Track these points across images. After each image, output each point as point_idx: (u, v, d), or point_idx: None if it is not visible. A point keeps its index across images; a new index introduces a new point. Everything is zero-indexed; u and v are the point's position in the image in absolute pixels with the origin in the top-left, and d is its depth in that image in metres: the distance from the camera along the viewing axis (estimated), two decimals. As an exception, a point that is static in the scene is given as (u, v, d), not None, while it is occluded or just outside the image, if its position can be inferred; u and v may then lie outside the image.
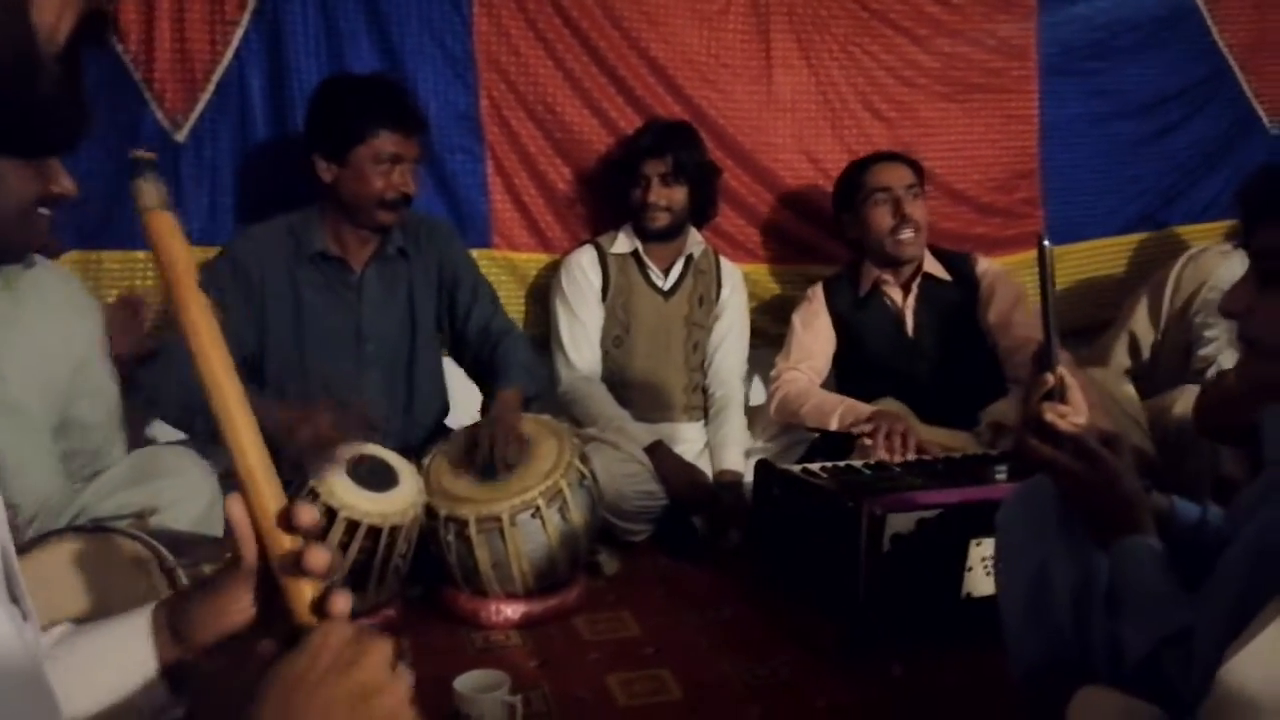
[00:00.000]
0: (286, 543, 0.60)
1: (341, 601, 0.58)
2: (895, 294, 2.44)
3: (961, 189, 2.81)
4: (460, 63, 2.41)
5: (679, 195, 2.40)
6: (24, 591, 0.57)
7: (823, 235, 2.74)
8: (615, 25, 2.49)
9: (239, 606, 0.66)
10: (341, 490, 1.72)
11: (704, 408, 2.54)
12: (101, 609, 1.11)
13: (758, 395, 2.70)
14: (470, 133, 2.42)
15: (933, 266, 2.43)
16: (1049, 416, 1.12)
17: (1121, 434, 1.16)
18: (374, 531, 1.72)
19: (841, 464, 2.01)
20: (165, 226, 0.62)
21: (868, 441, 2.11)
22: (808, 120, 2.68)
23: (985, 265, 2.46)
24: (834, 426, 2.24)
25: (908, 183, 2.37)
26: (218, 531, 1.57)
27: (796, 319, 2.48)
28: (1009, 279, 2.44)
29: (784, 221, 2.71)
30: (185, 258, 0.63)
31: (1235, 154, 2.98)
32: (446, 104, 2.39)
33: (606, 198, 2.53)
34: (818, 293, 2.50)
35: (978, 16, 2.77)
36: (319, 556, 0.58)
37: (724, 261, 2.57)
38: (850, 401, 2.25)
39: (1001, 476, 1.90)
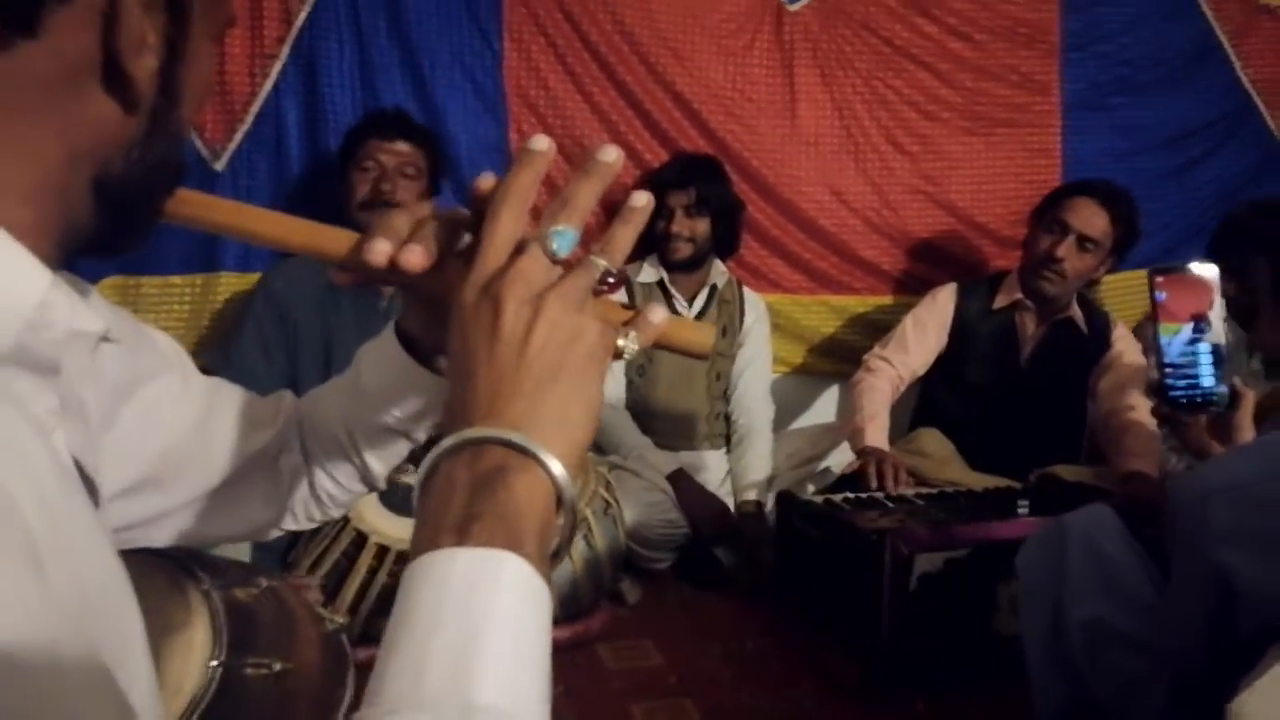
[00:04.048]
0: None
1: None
2: (1028, 321, 2.42)
3: (984, 222, 2.83)
4: (490, 96, 2.46)
5: (702, 227, 2.43)
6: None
7: (845, 266, 2.76)
8: (642, 61, 2.53)
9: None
10: (372, 515, 1.75)
11: (726, 435, 2.56)
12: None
13: (778, 423, 2.71)
14: (500, 165, 2.46)
15: (1076, 314, 2.41)
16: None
17: None
18: (403, 557, 1.74)
19: (864, 495, 2.02)
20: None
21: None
22: (831, 154, 2.71)
23: (1121, 333, 2.44)
24: (851, 442, 2.27)
25: (1087, 234, 2.28)
26: None
27: (910, 315, 2.47)
28: (1136, 354, 2.39)
29: (807, 253, 2.74)
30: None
31: (1260, 190, 2.98)
32: (477, 136, 2.44)
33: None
34: (950, 294, 2.47)
35: (1000, 52, 2.80)
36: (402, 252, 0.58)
37: (747, 291, 2.59)
38: (874, 430, 2.24)
39: (1024, 511, 1.90)
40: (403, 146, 2.10)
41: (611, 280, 0.54)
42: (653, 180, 2.49)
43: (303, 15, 2.29)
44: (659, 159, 2.55)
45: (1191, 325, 1.18)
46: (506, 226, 0.54)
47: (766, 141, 2.66)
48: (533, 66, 2.47)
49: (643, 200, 0.57)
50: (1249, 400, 1.19)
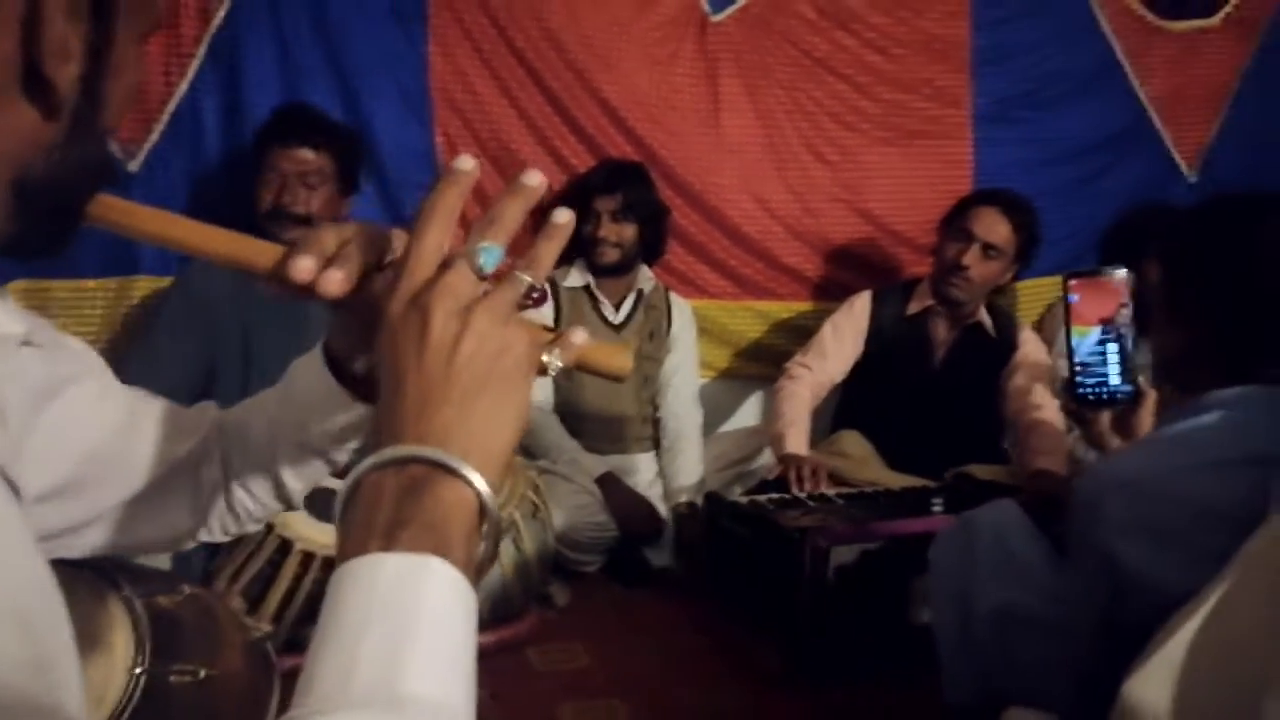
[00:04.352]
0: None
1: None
2: (940, 326, 2.51)
3: (900, 230, 2.92)
4: (416, 100, 2.45)
5: (629, 232, 2.46)
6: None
7: (769, 272, 2.82)
8: (569, 67, 2.55)
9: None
10: (297, 521, 1.73)
11: (655, 438, 2.59)
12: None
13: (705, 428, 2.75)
14: (426, 169, 2.45)
15: (984, 319, 2.50)
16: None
17: None
18: (329, 563, 1.72)
19: (788, 495, 2.08)
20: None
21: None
22: (754, 162, 2.77)
23: (1027, 335, 2.54)
24: (773, 448, 2.34)
25: (990, 241, 2.37)
26: None
27: (829, 322, 2.54)
28: (1041, 355, 2.50)
29: (732, 259, 2.79)
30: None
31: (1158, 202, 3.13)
32: (402, 141, 2.43)
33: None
34: (865, 302, 2.54)
35: (915, 66, 2.89)
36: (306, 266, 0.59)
37: (674, 297, 2.63)
38: (794, 436, 2.30)
39: (938, 509, 1.97)
40: (306, 154, 2.05)
41: (536, 295, 0.56)
42: (580, 186, 2.51)
43: (220, 14, 2.25)
44: (586, 165, 2.57)
45: (1101, 327, 1.25)
46: (433, 240, 0.55)
47: (691, 149, 2.70)
48: (459, 71, 2.47)
49: (565, 217, 0.59)
50: (1151, 398, 1.26)
